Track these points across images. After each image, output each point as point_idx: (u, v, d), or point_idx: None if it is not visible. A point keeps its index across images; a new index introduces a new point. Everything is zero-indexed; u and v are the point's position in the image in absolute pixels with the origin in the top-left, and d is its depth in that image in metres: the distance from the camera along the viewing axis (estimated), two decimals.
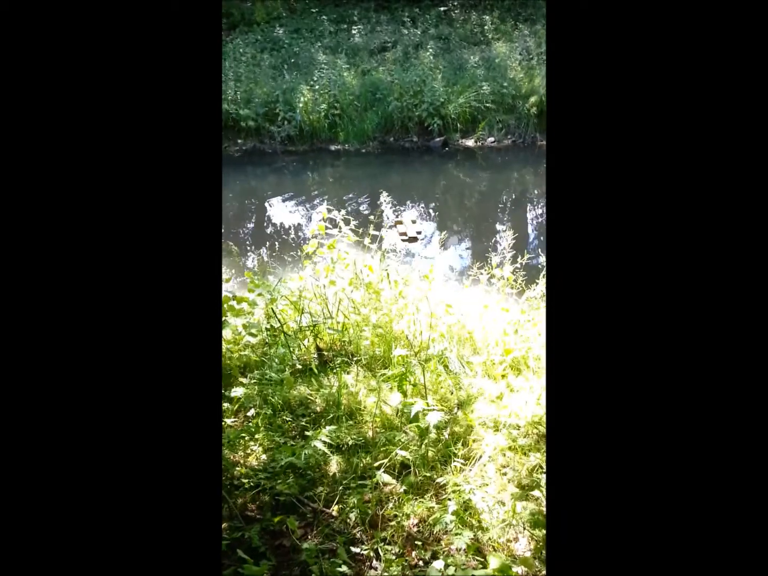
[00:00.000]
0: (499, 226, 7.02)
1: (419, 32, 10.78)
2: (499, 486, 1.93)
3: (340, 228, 3.20)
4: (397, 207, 7.57)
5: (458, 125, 9.03)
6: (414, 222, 6.55)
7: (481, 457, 2.08)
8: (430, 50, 9.66)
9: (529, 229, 6.99)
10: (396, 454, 1.96)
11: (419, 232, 6.29)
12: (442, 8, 12.08)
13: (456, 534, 1.66)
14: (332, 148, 8.93)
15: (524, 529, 1.78)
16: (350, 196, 7.78)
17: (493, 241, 6.52)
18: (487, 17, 11.35)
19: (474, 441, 2.20)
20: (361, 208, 7.58)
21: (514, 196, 8.06)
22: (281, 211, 7.51)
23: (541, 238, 6.32)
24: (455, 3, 11.98)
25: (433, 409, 1.92)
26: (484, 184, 8.38)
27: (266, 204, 7.66)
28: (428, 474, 1.99)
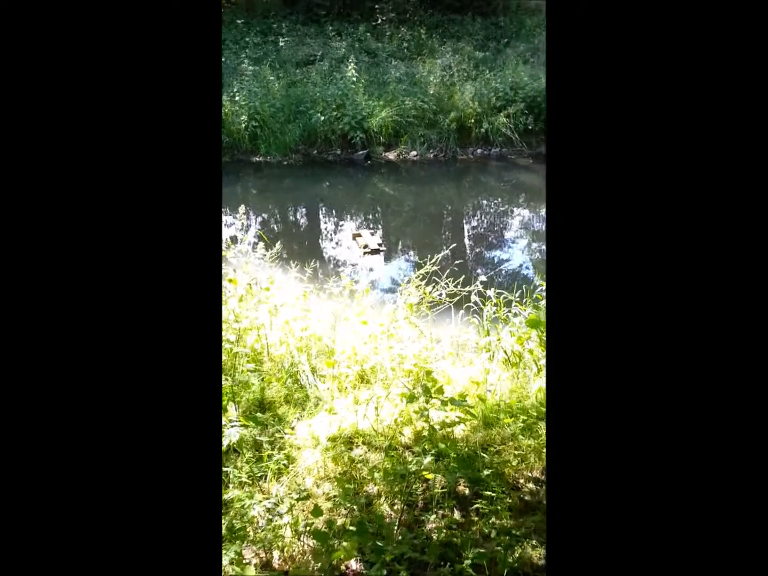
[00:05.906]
0: (437, 239, 7.06)
1: (345, 45, 10.88)
2: (289, 499, 1.94)
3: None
4: (332, 219, 7.54)
5: (381, 139, 9.13)
6: (373, 234, 6.50)
7: (296, 474, 2.09)
8: (353, 64, 9.75)
9: (465, 241, 7.10)
10: None
11: (380, 244, 6.24)
12: (372, 23, 12.25)
13: (228, 548, 1.66)
14: (253, 159, 8.88)
15: (309, 543, 1.79)
16: (283, 207, 7.74)
17: (433, 253, 6.61)
18: (415, 33, 11.58)
19: (297, 455, 2.21)
20: (292, 219, 7.56)
21: (449, 208, 8.22)
22: None
23: (477, 250, 6.35)
24: (384, 18, 12.16)
25: (235, 425, 1.92)
26: (411, 198, 8.49)
27: None
28: (239, 491, 1.98)
